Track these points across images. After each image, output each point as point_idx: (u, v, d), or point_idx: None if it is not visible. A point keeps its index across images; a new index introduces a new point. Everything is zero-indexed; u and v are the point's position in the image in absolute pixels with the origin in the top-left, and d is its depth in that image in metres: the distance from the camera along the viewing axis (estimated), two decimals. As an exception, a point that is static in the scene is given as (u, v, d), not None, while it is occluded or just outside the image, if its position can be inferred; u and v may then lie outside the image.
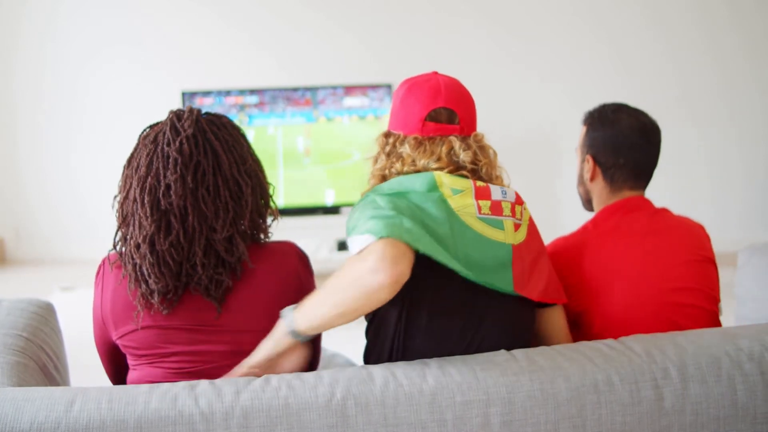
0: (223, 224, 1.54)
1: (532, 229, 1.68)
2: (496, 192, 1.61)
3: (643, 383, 1.38)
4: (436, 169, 1.62)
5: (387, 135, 1.72)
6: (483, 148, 1.68)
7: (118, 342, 1.60)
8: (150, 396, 1.31)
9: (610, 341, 1.48)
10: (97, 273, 1.63)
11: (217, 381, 1.37)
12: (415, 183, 1.57)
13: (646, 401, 1.38)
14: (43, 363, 1.63)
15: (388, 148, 1.69)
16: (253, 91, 4.35)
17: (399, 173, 1.65)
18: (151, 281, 1.52)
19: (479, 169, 1.65)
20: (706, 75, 5.09)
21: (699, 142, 5.11)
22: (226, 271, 1.56)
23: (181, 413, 1.28)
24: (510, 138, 4.87)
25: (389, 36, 5.01)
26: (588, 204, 2.00)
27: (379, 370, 1.39)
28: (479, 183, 1.61)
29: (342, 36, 5.01)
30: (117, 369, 1.70)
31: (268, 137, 4.41)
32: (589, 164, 1.93)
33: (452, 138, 1.65)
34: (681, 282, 1.80)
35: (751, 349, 1.43)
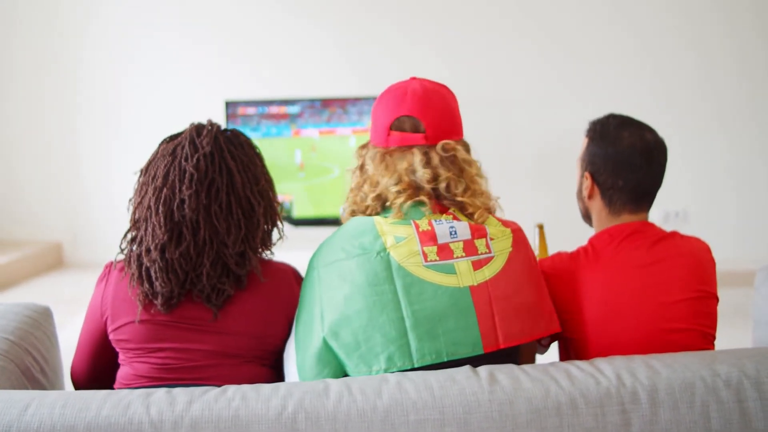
0: (234, 240, 1.60)
1: (517, 256, 1.55)
2: (443, 234, 1.50)
3: (610, 407, 1.31)
4: (396, 192, 1.55)
5: (363, 147, 1.68)
6: (453, 159, 1.57)
7: (112, 336, 1.65)
8: (104, 402, 1.31)
9: (580, 362, 1.41)
10: (102, 273, 1.70)
11: (175, 390, 1.37)
12: (361, 238, 1.52)
13: (611, 426, 1.31)
14: (26, 366, 1.66)
15: (360, 161, 1.66)
16: (295, 102, 4.37)
17: (363, 201, 1.61)
18: (157, 284, 1.58)
19: (438, 187, 1.56)
20: (737, 89, 4.92)
21: (728, 155, 4.95)
22: (230, 282, 1.60)
23: (131, 421, 1.29)
24: (545, 148, 4.79)
25: (419, 47, 4.99)
26: (587, 219, 1.90)
27: (336, 384, 1.36)
28: (423, 227, 1.51)
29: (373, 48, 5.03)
30: (94, 366, 1.72)
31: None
32: (588, 182, 1.81)
33: (415, 150, 1.57)
34: (676, 322, 1.67)
35: (728, 375, 1.34)
